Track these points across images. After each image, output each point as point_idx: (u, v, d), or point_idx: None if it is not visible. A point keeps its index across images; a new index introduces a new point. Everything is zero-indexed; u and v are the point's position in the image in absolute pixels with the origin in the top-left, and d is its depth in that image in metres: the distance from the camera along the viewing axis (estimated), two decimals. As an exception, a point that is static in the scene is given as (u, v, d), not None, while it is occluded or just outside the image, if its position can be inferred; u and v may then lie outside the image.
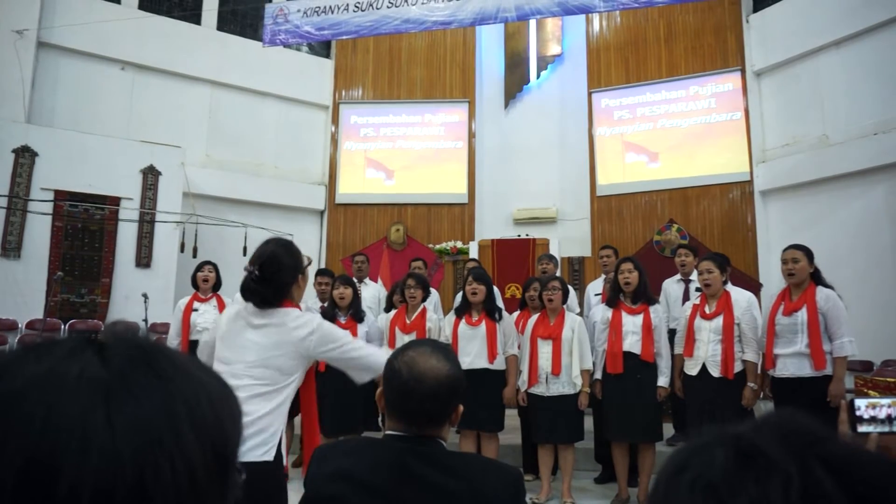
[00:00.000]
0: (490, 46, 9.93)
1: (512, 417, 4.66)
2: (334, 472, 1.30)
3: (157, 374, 0.45)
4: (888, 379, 4.29)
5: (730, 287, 4.15)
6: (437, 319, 4.72)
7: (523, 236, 8.31)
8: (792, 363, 3.72)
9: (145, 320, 5.41)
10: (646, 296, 4.24)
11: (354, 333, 4.65)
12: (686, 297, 4.98)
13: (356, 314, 4.74)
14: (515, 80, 9.74)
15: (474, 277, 4.43)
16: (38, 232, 7.12)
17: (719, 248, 7.05)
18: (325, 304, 4.96)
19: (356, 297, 4.80)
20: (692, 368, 4.03)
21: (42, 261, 7.08)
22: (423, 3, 7.79)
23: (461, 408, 1.36)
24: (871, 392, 4.12)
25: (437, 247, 8.57)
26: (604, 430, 4.39)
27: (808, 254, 3.80)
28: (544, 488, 4.30)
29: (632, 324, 4.16)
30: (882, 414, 1.15)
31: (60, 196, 7.24)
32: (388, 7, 7.89)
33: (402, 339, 4.44)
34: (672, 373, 4.20)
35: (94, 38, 7.95)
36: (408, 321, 4.60)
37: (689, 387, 4.08)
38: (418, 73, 9.72)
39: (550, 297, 4.30)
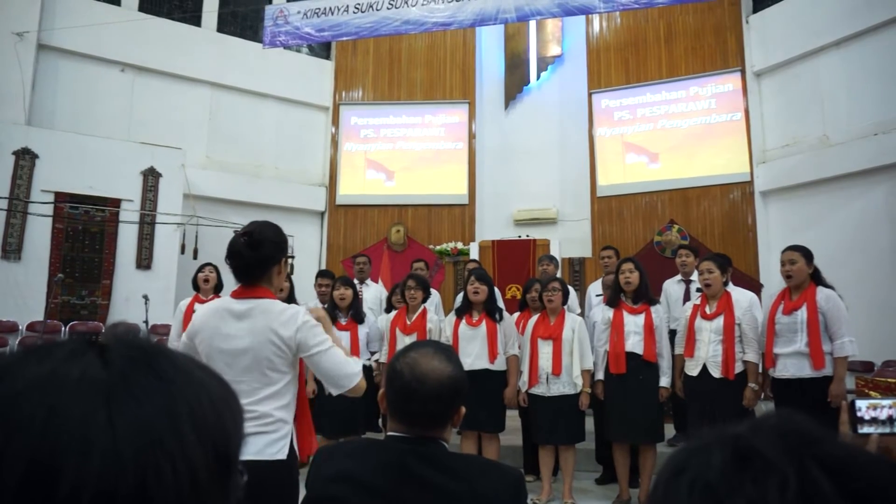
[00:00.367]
0: (490, 47, 9.93)
1: (513, 418, 4.66)
2: (336, 474, 1.31)
3: (157, 375, 0.45)
4: (889, 380, 4.29)
5: (731, 287, 4.15)
6: (438, 320, 4.72)
7: (524, 237, 8.32)
8: (792, 363, 3.72)
9: (146, 322, 5.41)
10: (647, 296, 4.24)
11: (355, 334, 4.66)
12: (687, 298, 4.98)
13: (356, 315, 4.75)
14: (515, 81, 9.74)
15: (476, 277, 4.43)
16: (39, 234, 7.13)
17: (720, 248, 7.05)
18: (326, 306, 4.96)
19: (356, 298, 4.81)
20: (693, 369, 4.03)
21: (42, 263, 7.09)
22: (423, 5, 7.79)
23: (463, 409, 1.36)
24: (871, 393, 4.12)
25: (438, 248, 8.58)
26: (605, 431, 4.38)
27: (807, 255, 3.79)
28: (545, 489, 4.30)
29: (633, 324, 4.16)
30: (883, 415, 1.15)
31: (61, 198, 7.25)
32: (388, 8, 7.90)
33: (403, 339, 4.44)
34: (673, 373, 4.20)
35: (94, 40, 7.95)
36: (408, 322, 4.60)
37: (690, 387, 4.08)
38: (418, 75, 9.72)
39: (550, 298, 4.30)
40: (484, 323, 4.33)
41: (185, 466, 0.42)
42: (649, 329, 4.12)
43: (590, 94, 9.08)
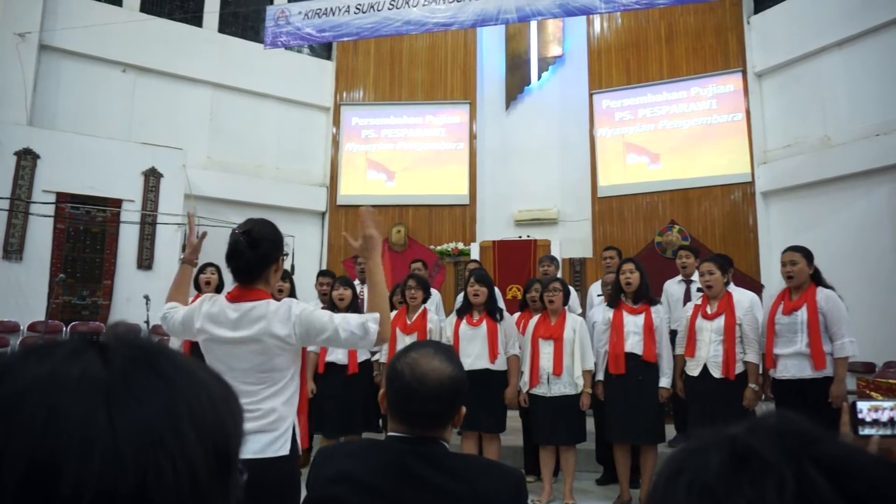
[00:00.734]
0: (491, 48, 9.93)
1: (513, 418, 4.66)
2: (336, 474, 1.31)
3: (158, 374, 0.46)
4: (890, 380, 4.29)
5: (732, 287, 4.15)
6: (438, 320, 4.72)
7: (524, 237, 8.31)
8: (792, 364, 3.72)
9: (147, 322, 5.42)
10: (647, 296, 4.23)
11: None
12: (687, 299, 4.98)
13: (356, 315, 4.74)
14: (516, 82, 9.74)
15: (476, 279, 4.43)
16: (40, 234, 7.13)
17: (720, 249, 7.04)
18: (325, 306, 4.96)
19: (356, 298, 4.80)
20: (693, 369, 4.03)
21: (44, 263, 7.10)
22: (423, 5, 7.79)
23: (464, 409, 1.36)
24: (872, 393, 4.12)
25: (439, 248, 8.58)
26: (605, 432, 4.38)
27: (807, 255, 3.79)
28: (546, 490, 4.30)
29: (633, 324, 4.15)
30: (884, 417, 1.15)
31: (62, 198, 7.26)
32: (388, 9, 7.90)
33: (403, 339, 4.44)
34: (673, 373, 4.19)
35: (95, 40, 7.96)
36: (408, 322, 4.60)
37: (691, 387, 4.07)
38: (419, 75, 9.72)
39: (551, 299, 4.30)
40: (484, 323, 4.32)
41: (185, 466, 0.42)
42: (649, 329, 4.12)
43: (591, 95, 9.08)
